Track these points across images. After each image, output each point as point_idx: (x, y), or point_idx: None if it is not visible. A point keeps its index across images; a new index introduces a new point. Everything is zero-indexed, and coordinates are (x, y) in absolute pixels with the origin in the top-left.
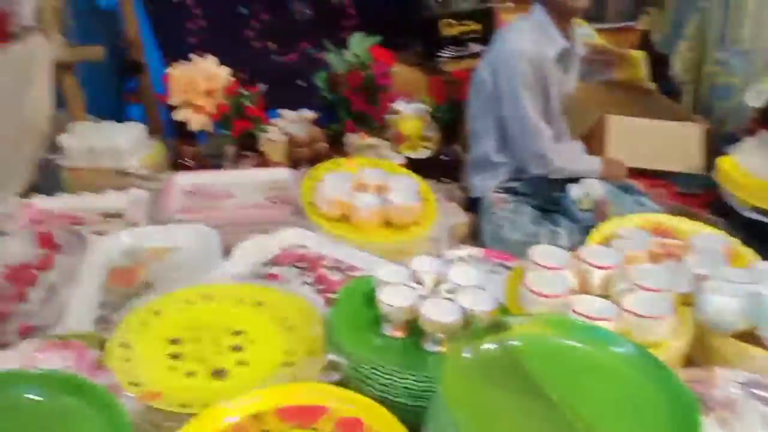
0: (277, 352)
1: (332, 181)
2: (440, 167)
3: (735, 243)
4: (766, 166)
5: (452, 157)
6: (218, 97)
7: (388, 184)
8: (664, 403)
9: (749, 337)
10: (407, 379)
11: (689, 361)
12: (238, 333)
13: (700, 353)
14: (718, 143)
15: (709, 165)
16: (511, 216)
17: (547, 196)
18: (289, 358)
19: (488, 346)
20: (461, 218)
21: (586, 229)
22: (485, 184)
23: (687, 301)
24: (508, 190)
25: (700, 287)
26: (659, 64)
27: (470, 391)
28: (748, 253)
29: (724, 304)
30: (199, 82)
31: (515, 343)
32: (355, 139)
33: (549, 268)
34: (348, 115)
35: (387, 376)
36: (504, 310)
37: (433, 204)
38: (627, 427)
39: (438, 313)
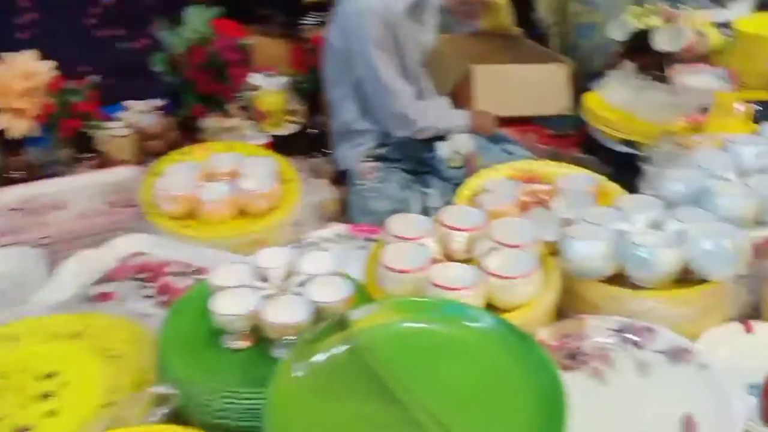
0: (97, 392)
1: (174, 175)
2: (309, 142)
3: (602, 181)
4: (628, 98)
5: (320, 129)
6: (40, 96)
7: (240, 169)
8: (528, 382)
9: (618, 280)
10: (249, 398)
11: (560, 313)
12: (49, 376)
13: (570, 303)
14: (585, 82)
15: (579, 104)
16: (378, 185)
17: (416, 158)
18: (111, 397)
19: (332, 350)
20: (329, 195)
21: (457, 187)
22: (352, 154)
23: (555, 249)
24: (376, 158)
25: (564, 234)
26: (524, 8)
27: (303, 412)
28: (617, 190)
29: (588, 248)
30: (14, 82)
31: (359, 339)
32: (212, 123)
33: (407, 239)
34: (195, 98)
35: (226, 399)
36: (362, 295)
37: (295, 184)
38: (487, 415)
39: (282, 313)
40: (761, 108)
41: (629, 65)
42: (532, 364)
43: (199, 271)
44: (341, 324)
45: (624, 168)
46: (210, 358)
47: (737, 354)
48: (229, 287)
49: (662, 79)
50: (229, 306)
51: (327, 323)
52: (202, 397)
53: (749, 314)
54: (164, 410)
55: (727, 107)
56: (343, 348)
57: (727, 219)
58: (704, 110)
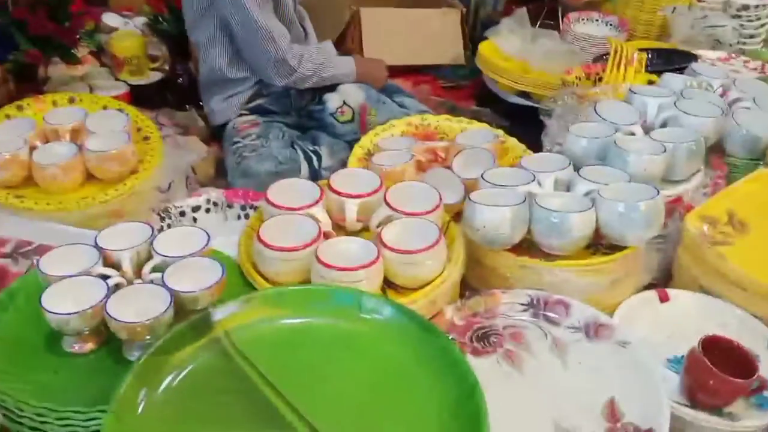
0: None
1: (3, 134)
2: (176, 93)
3: (502, 136)
4: (522, 47)
5: (189, 78)
6: None
7: (86, 125)
8: (436, 385)
9: (528, 248)
10: (94, 420)
11: (466, 286)
12: None
13: (477, 275)
14: (479, 29)
15: (474, 53)
16: (258, 142)
17: (301, 112)
18: None
19: (190, 364)
20: (200, 155)
21: (350, 144)
22: (225, 107)
23: (460, 210)
24: (254, 111)
25: (468, 201)
26: None
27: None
28: (517, 146)
29: (494, 214)
30: None
31: (225, 344)
32: (58, 71)
33: (291, 210)
34: (28, 42)
35: (64, 423)
36: (237, 281)
37: (156, 143)
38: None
39: (133, 308)
40: (654, 56)
41: (522, 13)
42: (440, 362)
43: (43, 250)
44: (201, 326)
45: (521, 120)
46: (42, 370)
47: (654, 326)
48: (66, 277)
49: (555, 27)
50: (66, 301)
51: (181, 327)
52: (31, 420)
53: (661, 280)
54: None
55: (622, 56)
56: (206, 357)
57: (637, 176)
58: (598, 59)
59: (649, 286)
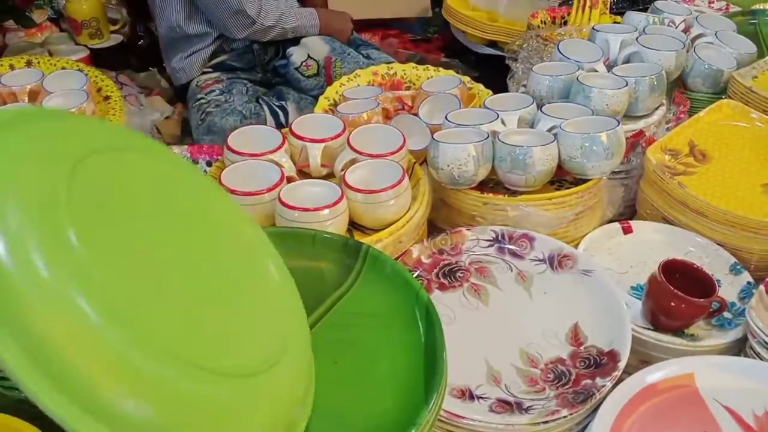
0: None
1: None
2: (138, 55)
3: (469, 82)
4: None
5: (151, 39)
6: None
7: (44, 86)
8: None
9: (494, 185)
10: None
11: (432, 227)
12: None
13: (442, 216)
14: None
15: (440, 5)
16: (222, 98)
17: (265, 66)
18: None
19: None
20: (166, 113)
21: (316, 99)
22: (188, 65)
23: (425, 157)
24: (217, 68)
25: (432, 141)
26: None
27: None
28: (483, 92)
29: (458, 152)
30: None
31: None
32: (14, 38)
33: (253, 156)
34: None
35: None
36: None
37: (117, 102)
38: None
39: None
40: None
41: None
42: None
43: None
44: None
45: (490, 70)
46: None
47: (617, 257)
48: None
49: None
50: None
51: None
52: None
53: (625, 214)
54: None
55: None
56: None
57: (600, 112)
58: (564, 2)
59: (613, 222)
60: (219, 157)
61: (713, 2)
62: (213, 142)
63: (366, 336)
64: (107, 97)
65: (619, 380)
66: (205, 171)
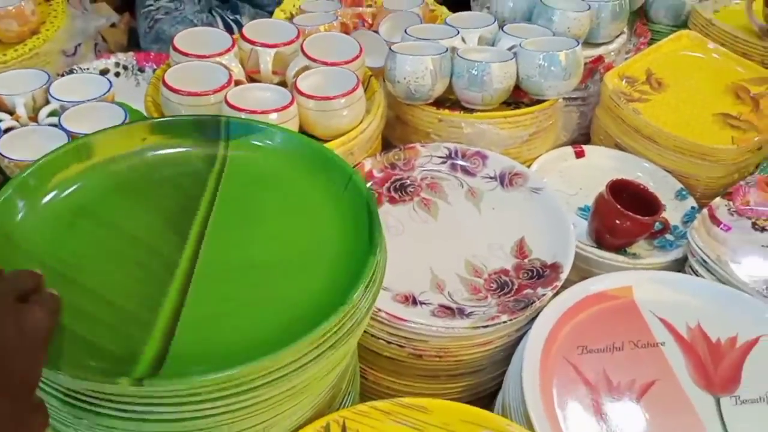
0: None
1: None
2: None
3: (432, 4)
4: None
5: None
6: None
7: None
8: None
9: (448, 106)
10: None
11: (386, 144)
12: None
13: (397, 132)
14: None
15: None
16: (171, 5)
17: None
18: None
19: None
20: (111, 20)
21: (271, 15)
22: None
23: (381, 76)
24: None
25: (390, 53)
26: None
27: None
28: (446, 13)
29: (415, 64)
30: None
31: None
32: None
33: (201, 57)
34: None
35: None
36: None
37: (60, 4)
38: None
39: (27, 150)
40: None
41: None
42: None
43: None
44: (82, 149)
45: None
46: None
47: (568, 179)
48: None
49: None
50: None
51: (62, 148)
52: None
53: (579, 141)
54: None
55: None
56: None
57: (561, 35)
58: None
59: (566, 146)
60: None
61: None
62: (161, 51)
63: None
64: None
65: (559, 292)
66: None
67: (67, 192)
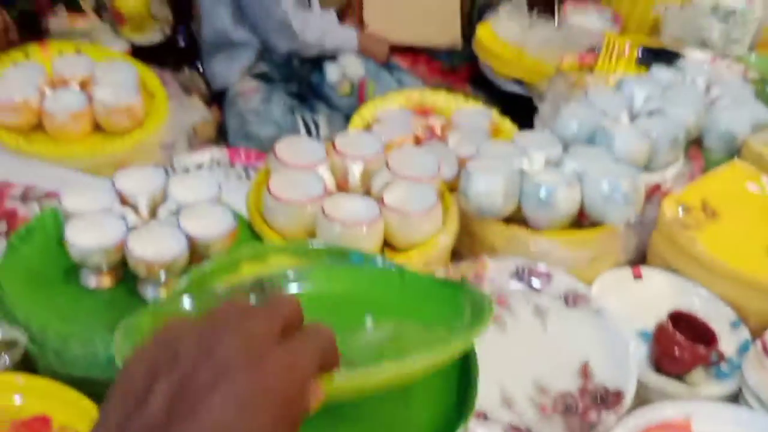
0: None
1: (13, 79)
2: (177, 53)
3: (497, 117)
4: (519, 34)
5: (191, 39)
6: None
7: (95, 75)
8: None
9: (517, 221)
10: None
11: (455, 255)
12: None
13: (466, 244)
14: (479, 14)
15: (471, 36)
16: (259, 107)
17: (302, 80)
18: None
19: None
20: (204, 116)
21: (347, 117)
22: (227, 71)
23: (453, 187)
24: (257, 77)
25: (464, 171)
26: None
27: None
28: (512, 128)
29: (488, 184)
30: None
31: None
32: (59, 23)
33: (298, 167)
34: None
35: (82, 345)
36: (245, 230)
37: (162, 100)
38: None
39: (151, 247)
40: (645, 51)
41: (520, 0)
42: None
43: (47, 195)
44: (230, 266)
45: (512, 107)
46: (63, 299)
47: (627, 300)
48: (88, 214)
49: (551, 17)
50: (89, 236)
51: (216, 262)
52: (57, 342)
53: (636, 260)
54: (10, 357)
55: (615, 48)
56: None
57: (621, 161)
58: (592, 50)
59: (624, 267)
60: (256, 163)
61: (732, 65)
62: (248, 146)
63: None
64: (152, 94)
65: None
66: (239, 177)
67: None
